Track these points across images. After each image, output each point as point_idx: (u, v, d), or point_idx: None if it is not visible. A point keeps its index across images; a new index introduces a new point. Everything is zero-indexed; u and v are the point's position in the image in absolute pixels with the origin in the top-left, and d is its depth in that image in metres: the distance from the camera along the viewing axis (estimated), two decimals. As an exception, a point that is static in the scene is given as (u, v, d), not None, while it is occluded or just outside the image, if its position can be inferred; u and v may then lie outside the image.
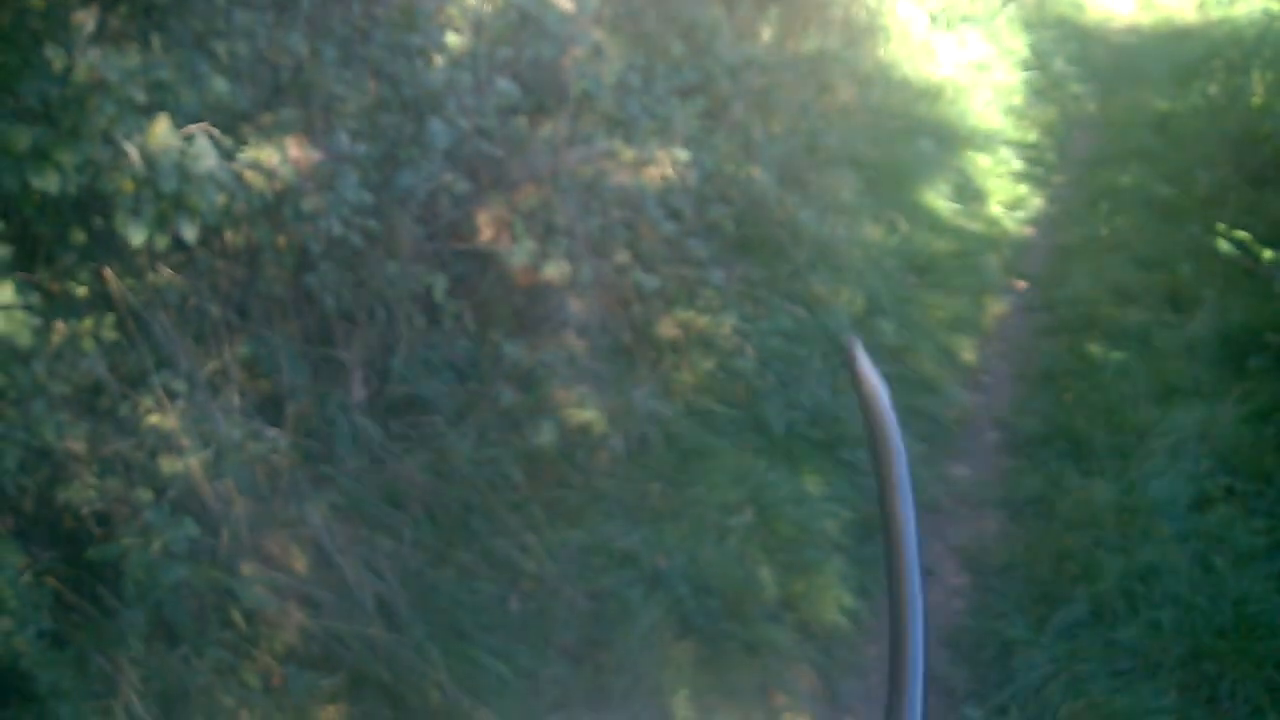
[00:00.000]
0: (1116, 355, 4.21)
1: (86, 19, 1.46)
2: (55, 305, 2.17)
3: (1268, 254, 4.33)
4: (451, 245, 3.15)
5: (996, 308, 4.77)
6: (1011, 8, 8.39)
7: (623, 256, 3.58)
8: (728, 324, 3.69)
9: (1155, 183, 6.06)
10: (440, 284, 3.03)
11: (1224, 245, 4.47)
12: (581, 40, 3.50)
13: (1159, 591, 2.94)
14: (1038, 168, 6.41)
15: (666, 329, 3.66)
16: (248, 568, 2.52)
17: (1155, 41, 10.39)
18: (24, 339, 1.77)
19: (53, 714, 2.07)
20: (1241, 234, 4.48)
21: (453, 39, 2.43)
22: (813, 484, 3.38)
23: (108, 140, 1.62)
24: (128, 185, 1.62)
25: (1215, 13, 10.58)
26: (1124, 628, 2.81)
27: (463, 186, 2.71)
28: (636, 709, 2.55)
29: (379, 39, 2.39)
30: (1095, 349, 4.29)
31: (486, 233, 3.27)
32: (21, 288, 1.84)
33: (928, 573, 3.00)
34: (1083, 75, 8.53)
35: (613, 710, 2.54)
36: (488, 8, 2.76)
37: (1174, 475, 3.44)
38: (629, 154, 3.45)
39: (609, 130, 3.63)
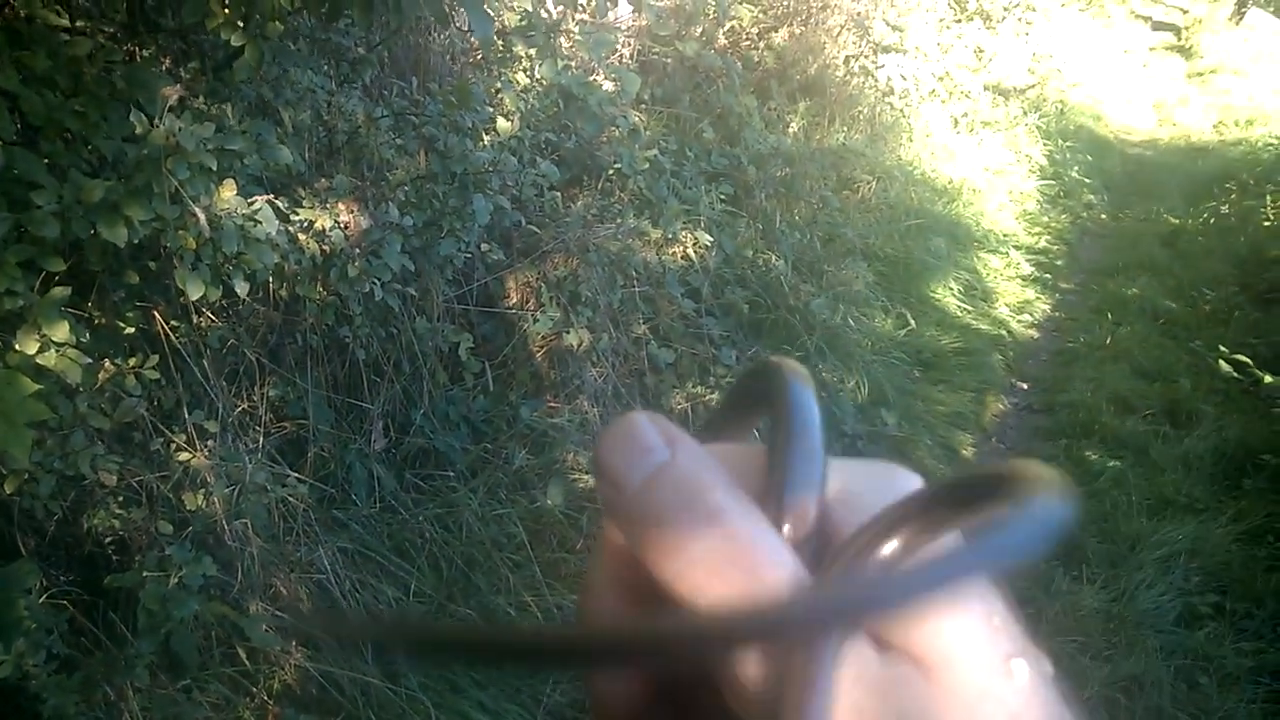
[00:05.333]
0: (1112, 464, 4.29)
1: (172, 92, 1.59)
2: (103, 341, 2.28)
3: (1268, 379, 4.44)
4: (480, 308, 3.28)
5: (997, 407, 4.86)
6: (1033, 117, 8.63)
7: (640, 329, 3.71)
8: (736, 403, 3.79)
9: (1161, 296, 6.19)
10: (466, 343, 3.15)
11: (1224, 366, 4.58)
12: (620, 122, 3.66)
13: (1142, 704, 2.98)
14: (1046, 274, 6.55)
15: (677, 401, 3.76)
16: (256, 606, 2.60)
17: (1171, 157, 10.62)
18: (74, 375, 1.87)
19: (52, 740, 2.12)
20: (1242, 357, 4.59)
21: (503, 124, 2.58)
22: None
23: (175, 200, 1.74)
24: (190, 243, 1.74)
25: (1232, 134, 10.86)
26: (1105, 738, 2.86)
27: (497, 255, 2.84)
28: (620, 778, 2.59)
29: (433, 113, 2.54)
30: (1092, 455, 4.37)
31: (514, 298, 3.40)
32: (75, 327, 1.94)
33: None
34: (1097, 186, 8.73)
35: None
36: (535, 89, 2.91)
37: (1163, 588, 3.50)
38: (655, 233, 3.59)
39: (638, 209, 3.78)
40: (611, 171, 3.77)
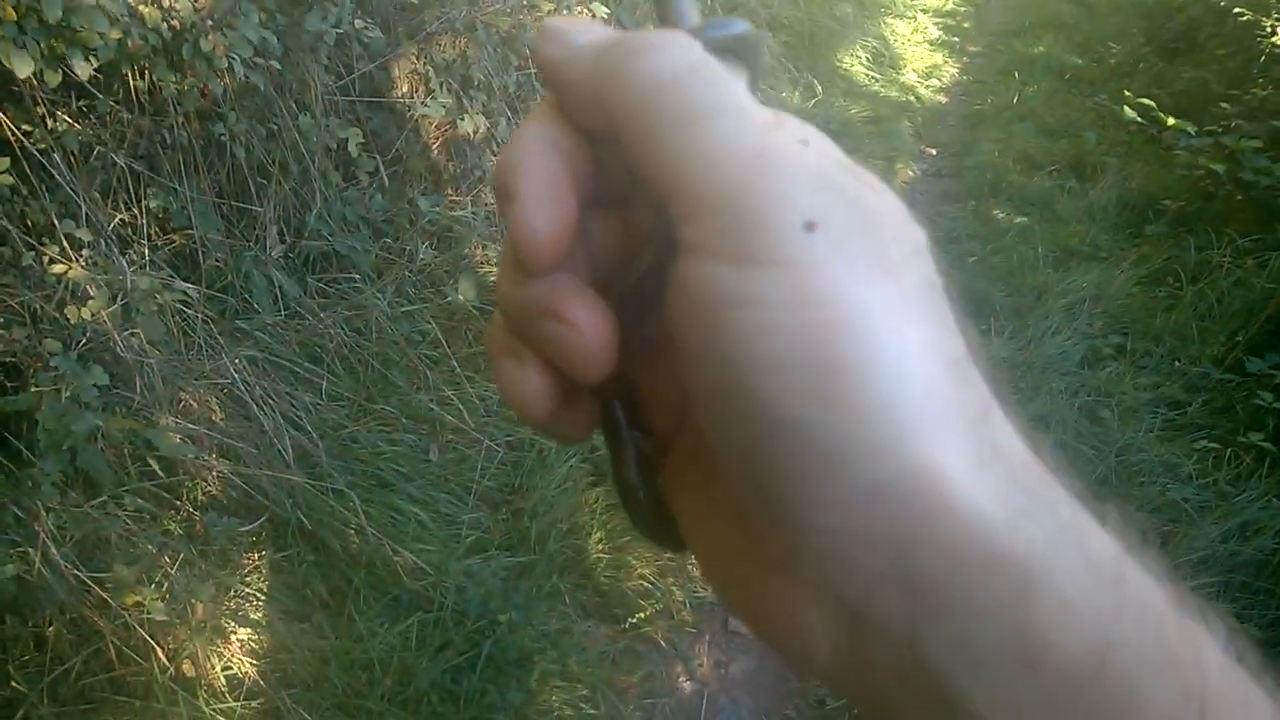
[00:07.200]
0: (1019, 220, 4.35)
1: None
2: (-54, 148, 2.09)
3: (1171, 121, 4.47)
4: (366, 99, 3.09)
5: (906, 174, 4.85)
6: None
7: (540, 114, 3.54)
8: (644, 184, 3.71)
9: (1067, 53, 6.14)
10: (355, 139, 2.97)
11: (1129, 112, 4.60)
12: (496, -115, 3.37)
13: (1048, 440, 3.10)
14: (954, 37, 6.43)
15: (584, 189, 3.66)
16: (164, 418, 2.53)
17: (1078, -89, 10.32)
18: (-86, 180, 1.71)
19: (-38, 562, 2.08)
20: (1147, 101, 4.61)
21: None
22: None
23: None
24: (9, 13, 1.55)
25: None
26: (1012, 473, 3.00)
27: (374, 35, 2.64)
28: (552, 550, 2.66)
29: None
30: (999, 214, 4.42)
31: (402, 87, 3.20)
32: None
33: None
34: (1004, -56, 8.48)
35: (529, 551, 2.66)
36: None
37: (1068, 334, 3.62)
38: (548, 6, 3.38)
39: (526, -18, 3.53)
40: (494, -58, 3.49)
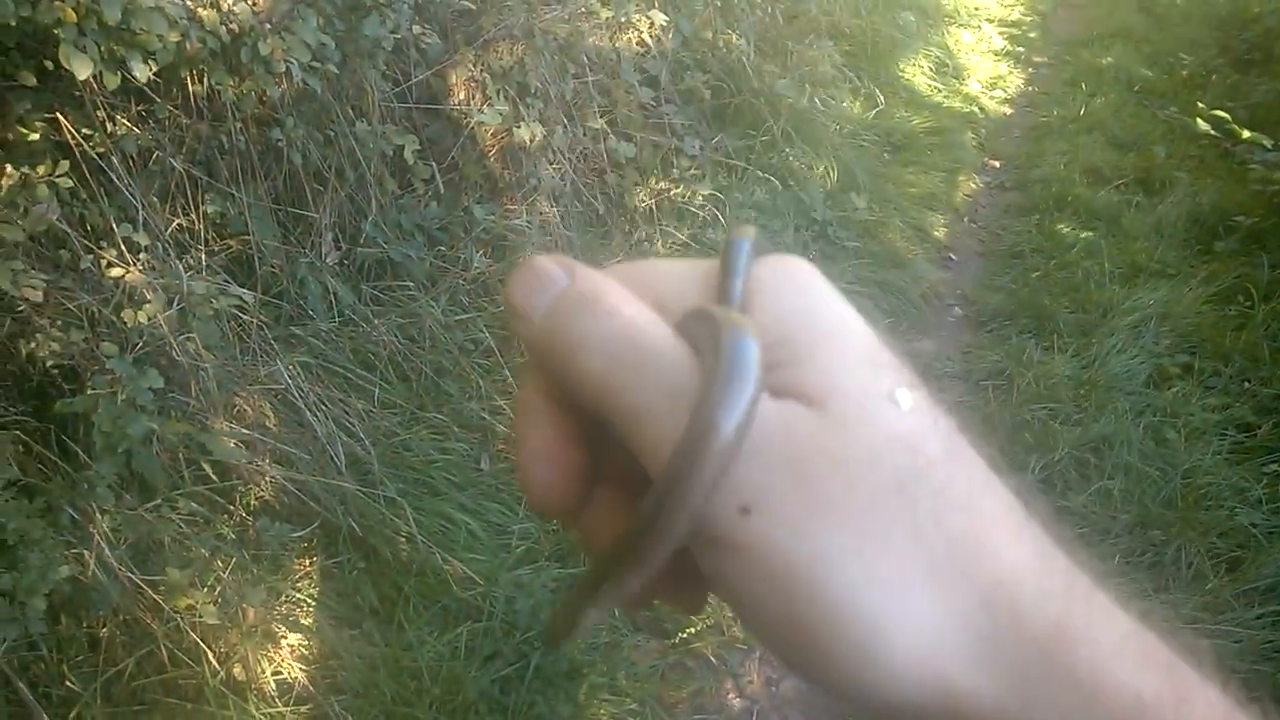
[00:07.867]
0: (1085, 235, 4.23)
1: None
2: (8, 151, 2.11)
3: (1246, 134, 4.33)
4: (422, 106, 3.09)
5: (969, 186, 4.75)
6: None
7: (597, 122, 3.52)
8: (701, 194, 3.67)
9: (1137, 64, 5.98)
10: (411, 145, 2.97)
11: (1201, 124, 4.45)
12: (559, -108, 3.36)
13: (1111, 462, 3.02)
14: (1019, 47, 6.31)
15: (640, 198, 3.63)
16: (218, 423, 2.54)
17: (1148, -81, 10.11)
18: (-24, 182, 1.73)
19: (21, 560, 2.09)
20: (1220, 113, 4.46)
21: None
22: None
23: (47, -35, 1.55)
24: (69, 15, 1.56)
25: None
26: (1075, 495, 2.90)
27: (432, 40, 2.64)
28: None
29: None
30: (1064, 228, 4.30)
31: (459, 94, 3.20)
32: (-29, 131, 1.78)
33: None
34: (1071, -48, 8.32)
35: (579, 563, 2.62)
36: None
37: (1134, 352, 3.50)
38: (606, 13, 3.36)
39: (584, -11, 3.52)
40: (554, -51, 3.48)
